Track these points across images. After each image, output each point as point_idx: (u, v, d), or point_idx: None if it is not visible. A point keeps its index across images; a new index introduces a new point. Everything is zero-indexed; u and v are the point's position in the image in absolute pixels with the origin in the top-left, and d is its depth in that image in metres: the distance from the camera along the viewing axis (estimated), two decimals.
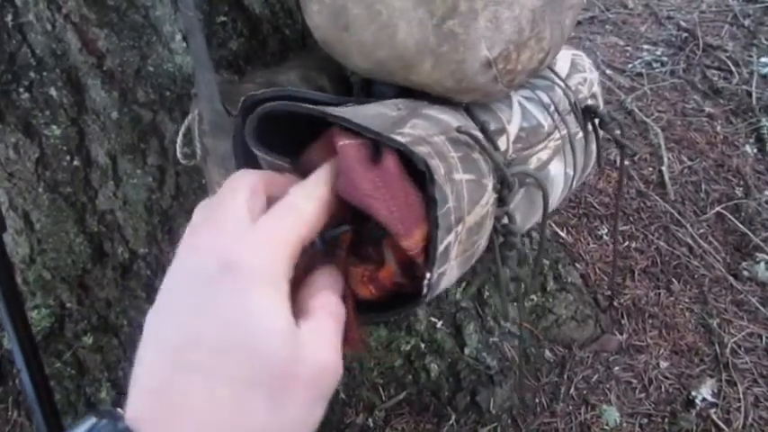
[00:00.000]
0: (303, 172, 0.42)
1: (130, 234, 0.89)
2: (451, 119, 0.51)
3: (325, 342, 0.33)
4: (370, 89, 0.61)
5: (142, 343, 0.32)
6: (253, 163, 0.45)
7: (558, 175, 0.67)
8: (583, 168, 0.75)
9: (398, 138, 0.40)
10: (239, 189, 0.35)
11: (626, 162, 1.61)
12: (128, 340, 0.99)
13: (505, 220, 0.54)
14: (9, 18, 0.71)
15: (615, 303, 1.27)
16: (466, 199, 0.45)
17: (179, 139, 0.65)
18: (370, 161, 0.40)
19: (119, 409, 0.30)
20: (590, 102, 0.75)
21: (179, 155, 0.66)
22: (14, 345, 0.71)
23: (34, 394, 0.73)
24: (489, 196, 0.50)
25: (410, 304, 0.43)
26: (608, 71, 2.00)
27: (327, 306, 0.35)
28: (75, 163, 0.82)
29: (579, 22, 2.26)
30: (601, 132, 0.75)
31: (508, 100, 0.63)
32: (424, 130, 0.46)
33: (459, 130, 0.48)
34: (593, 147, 0.76)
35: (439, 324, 1.07)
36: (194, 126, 0.63)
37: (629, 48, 2.14)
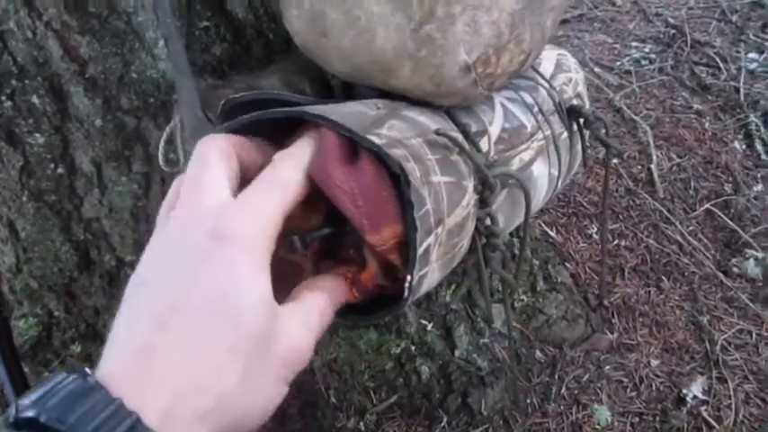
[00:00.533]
0: None
1: (117, 241, 0.88)
2: (430, 121, 0.51)
3: (303, 325, 0.34)
4: (351, 92, 0.61)
5: (120, 312, 0.32)
6: None
7: (542, 175, 0.67)
8: (568, 169, 0.75)
9: (374, 139, 0.40)
10: (213, 158, 0.36)
11: (614, 160, 1.61)
12: None
13: (488, 222, 0.54)
14: None
15: (605, 303, 1.27)
16: (445, 201, 0.45)
17: (161, 146, 0.65)
18: (346, 156, 0.40)
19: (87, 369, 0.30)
20: (575, 102, 0.75)
21: (161, 162, 0.65)
22: None
23: None
24: (470, 198, 0.50)
25: (393, 307, 0.44)
26: (596, 69, 2.00)
27: (316, 300, 0.37)
28: (60, 171, 0.81)
29: (567, 20, 2.26)
30: (587, 132, 0.75)
31: (490, 101, 0.63)
32: (401, 131, 0.46)
33: (437, 132, 0.48)
34: (579, 147, 0.76)
35: (429, 326, 1.07)
36: (177, 132, 0.62)
37: (617, 45, 2.14)
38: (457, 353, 1.10)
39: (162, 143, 0.64)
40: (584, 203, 1.47)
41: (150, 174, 0.83)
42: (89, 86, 0.76)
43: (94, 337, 0.97)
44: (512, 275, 0.61)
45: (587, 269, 1.33)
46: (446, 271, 0.50)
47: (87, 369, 0.30)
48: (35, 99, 0.75)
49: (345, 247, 0.44)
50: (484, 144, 0.58)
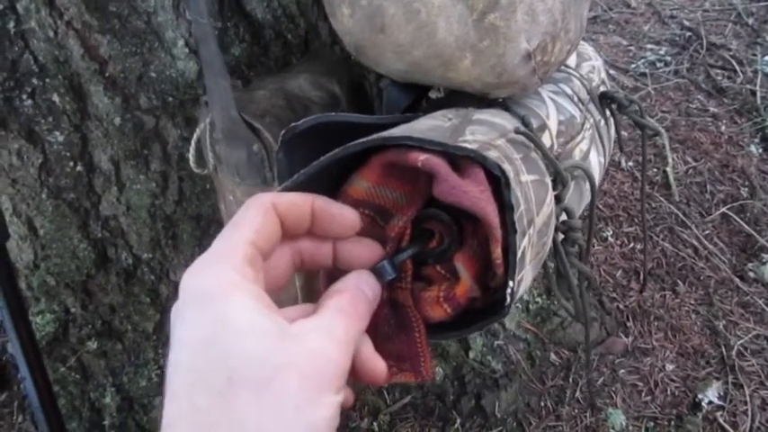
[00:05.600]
0: (352, 201, 0.41)
1: (134, 239, 0.89)
2: (505, 122, 0.51)
3: (323, 333, 0.32)
4: (382, 97, 0.61)
5: None
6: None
7: (596, 164, 0.68)
8: (608, 155, 0.75)
9: (466, 145, 0.39)
10: (247, 219, 0.35)
11: (630, 163, 1.61)
12: (132, 345, 0.99)
13: (564, 217, 0.54)
14: (11, 25, 0.71)
15: (621, 306, 1.26)
16: (533, 200, 0.44)
17: (192, 147, 0.65)
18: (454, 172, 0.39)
19: None
20: (602, 88, 0.75)
21: (192, 163, 0.65)
22: (18, 352, 0.71)
23: (38, 400, 0.74)
24: (552, 195, 0.49)
25: (491, 317, 0.42)
26: (611, 71, 1.99)
27: (337, 304, 0.35)
28: (79, 169, 0.82)
29: None
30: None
31: (539, 96, 0.63)
32: (485, 134, 0.45)
33: (517, 131, 0.48)
34: (612, 132, 0.76)
35: None
36: (205, 134, 0.62)
37: (632, 47, 2.13)
38: (471, 354, 1.09)
39: (193, 144, 0.64)
40: (600, 206, 1.46)
41: (168, 173, 0.84)
42: (108, 85, 0.76)
43: (110, 335, 0.97)
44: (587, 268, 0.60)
45: (603, 272, 1.33)
46: (536, 271, 0.49)
47: None
48: (55, 98, 0.76)
49: (430, 266, 0.43)
50: (546, 139, 0.58)
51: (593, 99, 0.71)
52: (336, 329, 0.33)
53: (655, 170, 1.60)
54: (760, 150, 1.68)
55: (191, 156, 0.65)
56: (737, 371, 1.17)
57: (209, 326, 0.30)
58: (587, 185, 0.62)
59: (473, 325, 0.42)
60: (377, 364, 0.37)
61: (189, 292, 0.32)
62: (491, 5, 0.48)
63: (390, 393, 1.08)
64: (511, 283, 0.39)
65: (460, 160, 0.39)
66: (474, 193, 0.37)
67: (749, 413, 1.11)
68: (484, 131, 0.46)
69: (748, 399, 1.12)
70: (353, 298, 0.36)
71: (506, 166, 0.40)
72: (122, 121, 0.79)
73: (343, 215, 0.39)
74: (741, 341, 1.22)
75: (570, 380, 1.14)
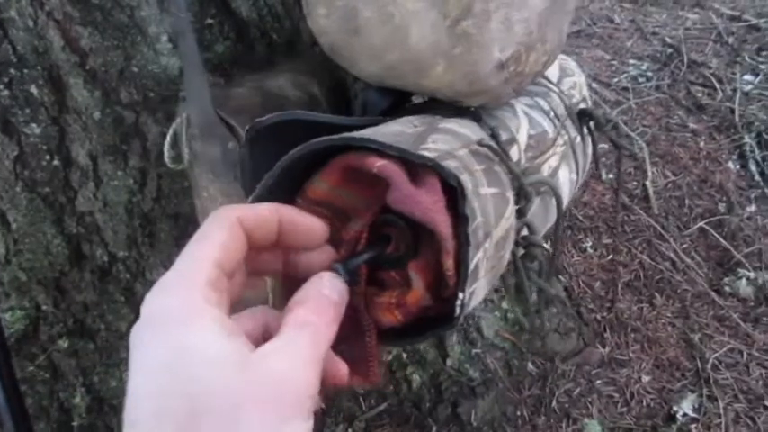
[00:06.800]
0: (310, 202, 0.40)
1: (110, 236, 0.87)
2: (470, 132, 0.51)
3: (286, 355, 0.31)
4: (362, 99, 0.60)
5: None
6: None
7: (566, 181, 0.67)
8: (583, 172, 0.75)
9: (426, 153, 0.39)
10: (211, 235, 0.34)
11: (610, 176, 1.62)
12: (104, 345, 0.97)
13: (525, 232, 0.53)
14: None
15: (599, 317, 1.27)
16: (492, 213, 0.44)
17: (167, 143, 0.64)
18: (410, 179, 0.38)
19: None
20: (582, 105, 0.75)
21: (166, 159, 0.64)
22: None
23: (4, 399, 0.72)
24: (512, 209, 0.49)
25: (440, 327, 0.41)
26: (594, 84, 2.01)
27: (298, 318, 0.33)
28: (55, 163, 0.80)
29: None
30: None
31: (512, 109, 0.63)
32: (447, 143, 0.44)
33: (480, 143, 0.47)
34: (590, 150, 0.76)
35: None
36: (182, 130, 0.61)
37: (614, 62, 2.16)
38: (449, 362, 1.09)
39: (168, 138, 0.63)
40: (580, 217, 1.47)
41: (147, 169, 0.82)
42: (89, 78, 0.75)
43: (82, 333, 0.95)
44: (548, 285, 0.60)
45: (581, 283, 1.33)
46: (492, 285, 0.49)
47: None
48: (33, 89, 0.74)
49: (385, 270, 0.42)
50: (514, 153, 0.58)
51: (572, 116, 0.71)
52: (301, 348, 0.31)
53: (635, 183, 1.61)
54: (738, 167, 1.71)
55: (165, 151, 0.64)
56: (712, 384, 1.18)
57: (170, 352, 0.29)
58: (554, 202, 0.62)
59: (424, 333, 0.42)
60: (339, 367, 0.36)
61: (150, 314, 0.31)
62: (464, 12, 0.48)
63: (366, 400, 1.07)
64: (461, 295, 0.39)
65: (419, 168, 0.39)
66: (426, 204, 0.37)
67: (723, 426, 1.11)
68: (447, 140, 0.45)
69: (722, 411, 1.13)
70: (317, 306, 0.34)
71: (464, 178, 0.40)
72: (102, 115, 0.77)
73: (313, 228, 0.38)
74: (716, 354, 1.23)
75: (547, 389, 1.14)
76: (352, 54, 0.53)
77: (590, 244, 1.43)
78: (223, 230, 0.34)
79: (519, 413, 1.11)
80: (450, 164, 0.40)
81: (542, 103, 0.66)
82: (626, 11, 2.51)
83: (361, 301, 0.41)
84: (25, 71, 0.73)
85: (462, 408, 1.08)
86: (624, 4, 2.58)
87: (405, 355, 1.06)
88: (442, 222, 0.37)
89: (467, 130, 0.51)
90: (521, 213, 0.52)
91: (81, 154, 0.80)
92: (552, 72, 0.73)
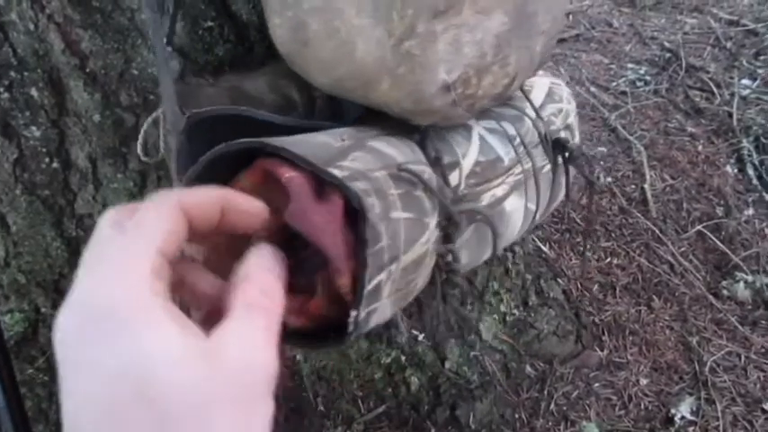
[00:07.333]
0: None
1: None
2: (397, 153, 0.50)
3: (241, 339, 0.30)
4: (338, 102, 0.60)
5: None
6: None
7: (517, 210, 0.66)
8: (549, 201, 0.73)
9: (335, 171, 0.39)
10: (149, 223, 0.31)
11: (608, 179, 1.62)
12: None
13: (449, 258, 0.53)
14: None
15: (597, 320, 1.27)
16: (402, 238, 0.44)
17: (140, 136, 0.65)
18: (316, 194, 0.39)
19: None
20: (563, 134, 0.73)
21: (139, 151, 0.65)
22: None
23: (4, 401, 0.72)
24: (431, 234, 0.49)
25: (338, 339, 0.42)
26: (592, 88, 2.01)
27: (246, 296, 0.32)
28: (55, 165, 0.80)
29: (564, 40, 2.28)
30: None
31: (467, 132, 0.61)
32: (366, 163, 0.44)
33: (399, 168, 0.47)
34: (563, 180, 0.74)
35: (420, 337, 1.06)
36: (161, 124, 0.62)
37: (613, 66, 2.16)
38: (447, 365, 1.09)
39: (142, 132, 0.64)
40: (578, 220, 1.48)
41: (146, 172, 0.83)
42: (89, 81, 0.75)
43: None
44: (471, 312, 0.60)
45: (579, 285, 1.33)
46: (400, 305, 0.49)
47: None
48: (33, 92, 0.75)
49: (294, 275, 0.42)
50: (454, 177, 0.56)
51: (544, 143, 0.69)
52: (257, 329, 0.30)
53: (633, 186, 1.62)
54: (735, 171, 1.71)
55: (139, 144, 0.65)
56: (710, 387, 1.18)
57: (124, 354, 0.27)
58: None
59: (319, 342, 0.43)
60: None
61: (92, 309, 0.28)
62: (408, 33, 0.47)
63: (364, 402, 1.07)
64: (353, 313, 0.40)
65: (326, 186, 0.39)
66: (318, 223, 0.37)
67: (721, 429, 1.11)
68: (367, 160, 0.45)
69: (720, 414, 1.13)
70: (265, 283, 0.33)
71: (371, 201, 0.40)
72: (102, 117, 0.78)
73: (255, 209, 0.36)
74: (714, 357, 1.23)
75: (545, 392, 1.14)
76: (304, 65, 0.54)
77: (588, 247, 1.43)
78: (164, 218, 0.31)
79: (517, 416, 1.11)
80: (359, 185, 0.40)
81: (509, 127, 0.64)
82: (624, 15, 2.52)
83: None
84: (25, 74, 0.73)
85: (460, 410, 1.08)
86: (623, 8, 2.59)
87: (403, 358, 1.06)
88: (330, 244, 0.38)
89: (394, 150, 0.50)
90: (448, 239, 0.51)
91: (81, 156, 0.80)
92: (537, 95, 0.72)
